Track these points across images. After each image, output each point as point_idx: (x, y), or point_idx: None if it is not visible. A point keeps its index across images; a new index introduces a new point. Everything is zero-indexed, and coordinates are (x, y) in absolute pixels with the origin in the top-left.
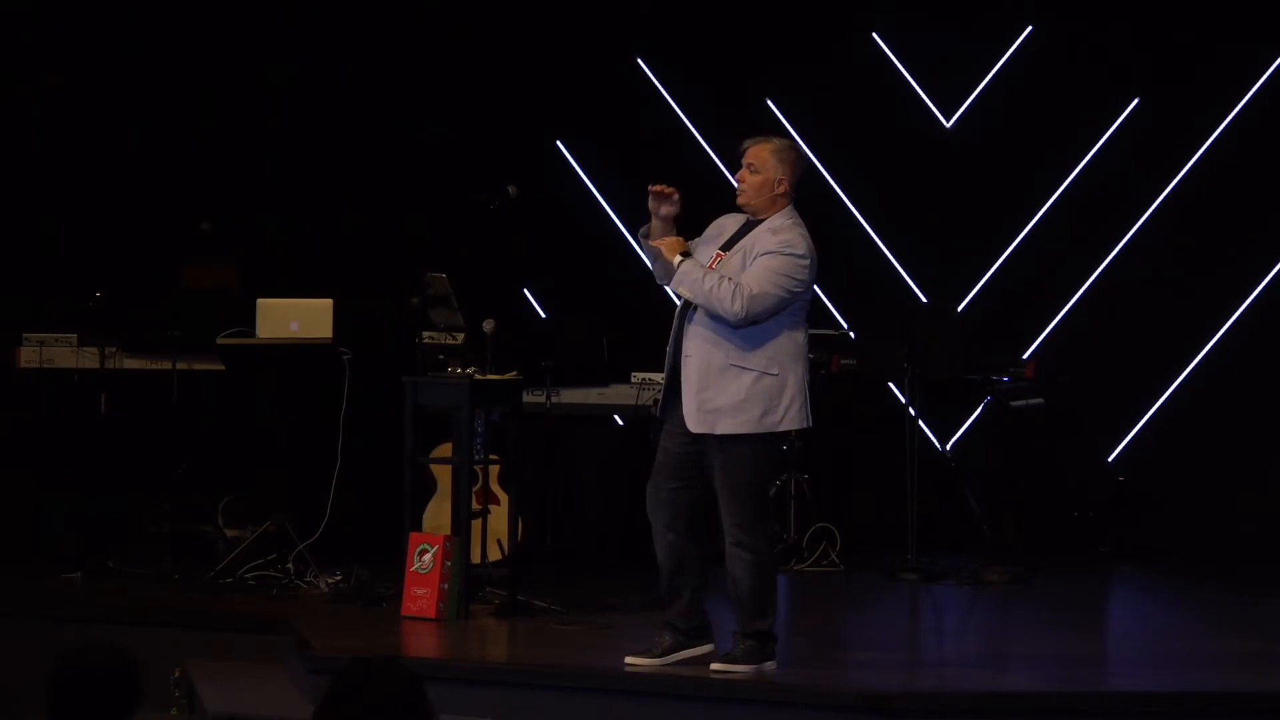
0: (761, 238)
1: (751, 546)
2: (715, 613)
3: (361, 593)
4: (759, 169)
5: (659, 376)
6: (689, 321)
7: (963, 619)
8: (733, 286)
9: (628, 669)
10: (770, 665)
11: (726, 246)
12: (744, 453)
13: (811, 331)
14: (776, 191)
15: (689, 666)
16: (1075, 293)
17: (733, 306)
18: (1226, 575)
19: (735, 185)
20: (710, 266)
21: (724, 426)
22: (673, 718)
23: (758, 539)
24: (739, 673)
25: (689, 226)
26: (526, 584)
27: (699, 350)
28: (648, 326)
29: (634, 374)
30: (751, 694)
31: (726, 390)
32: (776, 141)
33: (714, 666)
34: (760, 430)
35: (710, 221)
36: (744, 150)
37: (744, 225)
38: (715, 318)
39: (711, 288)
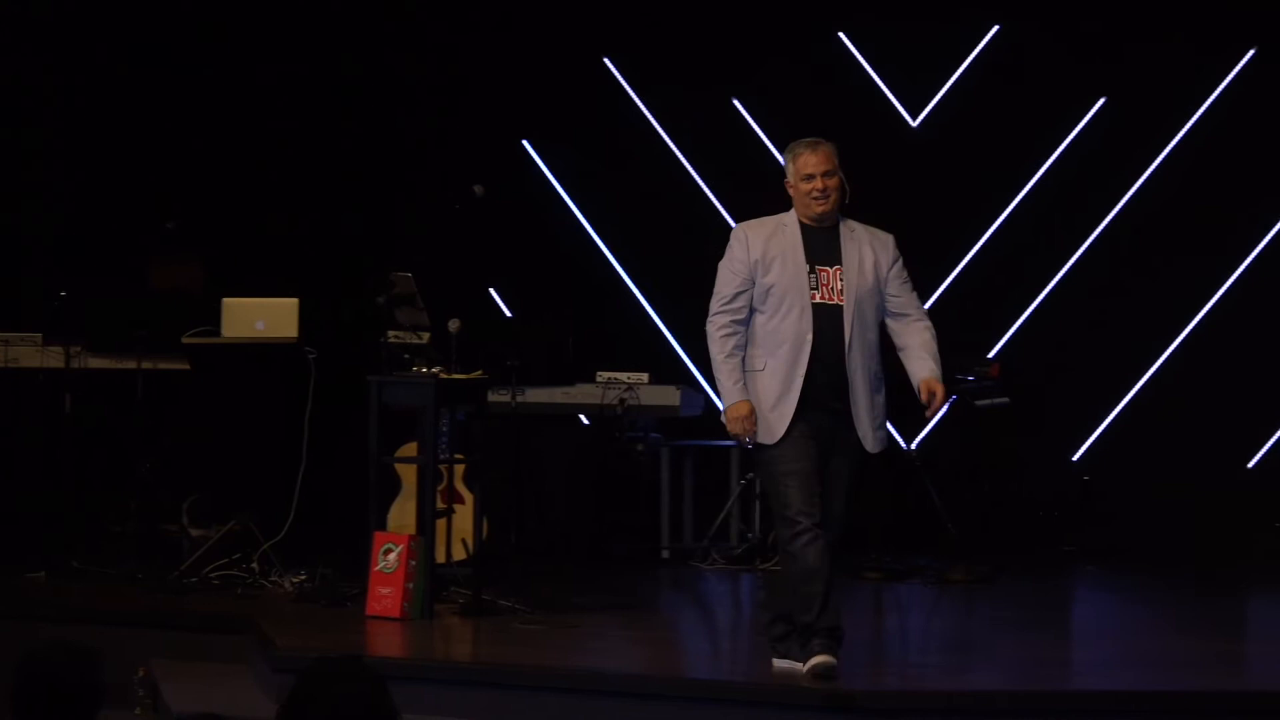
0: (875, 246)
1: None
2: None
3: (326, 592)
4: (834, 171)
5: (625, 376)
6: (850, 343)
7: (927, 618)
8: (929, 329)
9: (813, 672)
10: None
11: (821, 260)
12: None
13: None
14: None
15: (656, 665)
16: (1040, 292)
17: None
18: (1190, 574)
19: (815, 194)
20: (825, 285)
21: (885, 439)
22: (640, 717)
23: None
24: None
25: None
26: (491, 583)
27: (861, 371)
28: (614, 326)
29: (600, 373)
30: (718, 693)
31: (881, 403)
32: (826, 142)
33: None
34: None
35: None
36: (810, 158)
37: (817, 233)
38: (867, 328)
39: (934, 337)
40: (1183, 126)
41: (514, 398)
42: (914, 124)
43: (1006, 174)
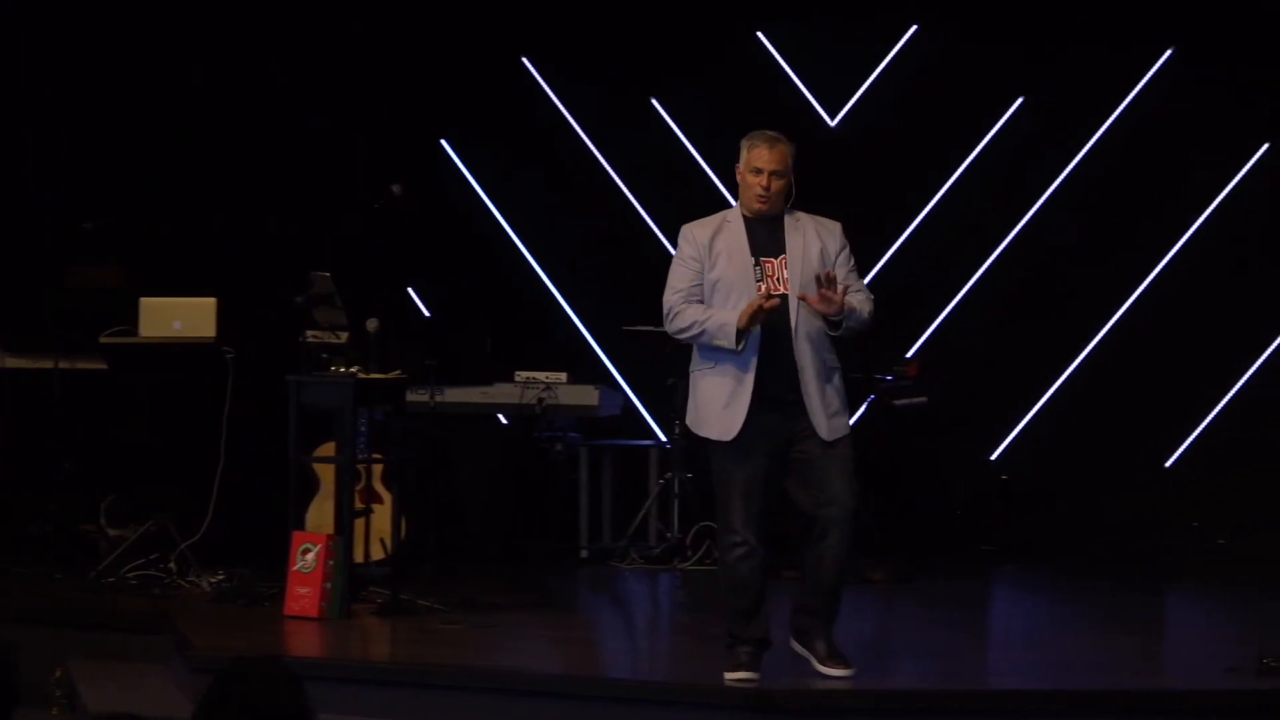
0: (821, 234)
1: (853, 534)
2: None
3: (244, 592)
4: (784, 173)
5: (543, 375)
6: (796, 330)
7: (847, 618)
8: (869, 299)
9: (732, 685)
10: None
11: (765, 251)
12: (849, 446)
13: None
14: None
15: (575, 665)
16: (959, 292)
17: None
18: (1108, 573)
19: (758, 191)
20: (770, 276)
21: (843, 428)
22: (559, 717)
23: (855, 525)
24: (849, 674)
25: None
26: (409, 583)
27: (811, 358)
28: (532, 326)
29: (518, 373)
30: (637, 693)
31: (835, 392)
32: (785, 142)
33: (834, 672)
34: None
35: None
36: (764, 152)
37: (761, 225)
38: (814, 315)
39: (870, 312)
40: (1100, 126)
41: (432, 397)
42: (832, 124)
43: (924, 174)
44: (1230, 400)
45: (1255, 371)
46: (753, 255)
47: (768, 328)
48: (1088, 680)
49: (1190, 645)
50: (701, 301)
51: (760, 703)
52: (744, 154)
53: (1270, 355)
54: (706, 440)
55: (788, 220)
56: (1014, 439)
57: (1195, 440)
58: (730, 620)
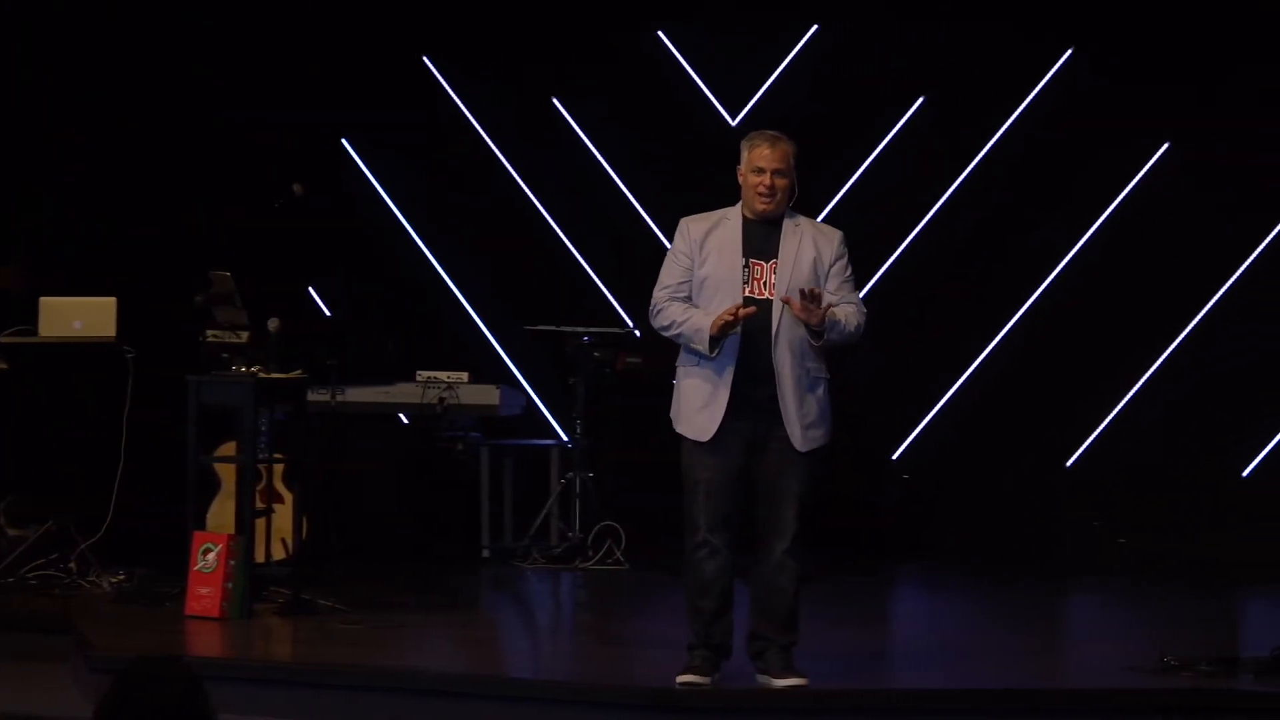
0: (818, 242)
1: (800, 557)
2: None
3: (144, 592)
4: (787, 172)
5: (445, 375)
6: (776, 336)
7: (744, 618)
8: (859, 312)
9: (682, 687)
10: None
11: (758, 254)
12: (814, 462)
13: (596, 330)
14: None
15: (477, 664)
16: (860, 292)
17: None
18: (1009, 572)
19: (761, 190)
20: (757, 279)
21: (819, 439)
22: (461, 717)
23: (802, 548)
24: (803, 683)
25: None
26: (311, 583)
27: (790, 365)
28: (433, 325)
29: (419, 372)
30: (540, 692)
31: (816, 402)
32: (786, 140)
33: (782, 684)
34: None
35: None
36: (765, 151)
37: (759, 227)
38: (798, 323)
39: (858, 325)
40: (1001, 126)
41: (333, 397)
42: (734, 123)
43: (826, 174)
44: (1131, 399)
45: (1155, 371)
46: (744, 256)
47: (748, 332)
48: (988, 679)
49: (1091, 644)
50: (689, 298)
51: (664, 701)
52: (745, 154)
53: (1170, 355)
54: (681, 438)
55: (787, 224)
56: (915, 439)
57: (1096, 440)
58: (691, 621)
